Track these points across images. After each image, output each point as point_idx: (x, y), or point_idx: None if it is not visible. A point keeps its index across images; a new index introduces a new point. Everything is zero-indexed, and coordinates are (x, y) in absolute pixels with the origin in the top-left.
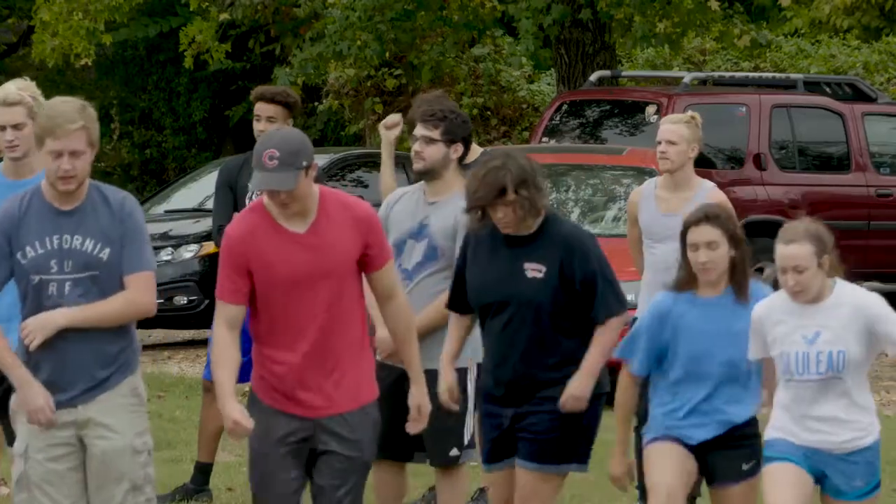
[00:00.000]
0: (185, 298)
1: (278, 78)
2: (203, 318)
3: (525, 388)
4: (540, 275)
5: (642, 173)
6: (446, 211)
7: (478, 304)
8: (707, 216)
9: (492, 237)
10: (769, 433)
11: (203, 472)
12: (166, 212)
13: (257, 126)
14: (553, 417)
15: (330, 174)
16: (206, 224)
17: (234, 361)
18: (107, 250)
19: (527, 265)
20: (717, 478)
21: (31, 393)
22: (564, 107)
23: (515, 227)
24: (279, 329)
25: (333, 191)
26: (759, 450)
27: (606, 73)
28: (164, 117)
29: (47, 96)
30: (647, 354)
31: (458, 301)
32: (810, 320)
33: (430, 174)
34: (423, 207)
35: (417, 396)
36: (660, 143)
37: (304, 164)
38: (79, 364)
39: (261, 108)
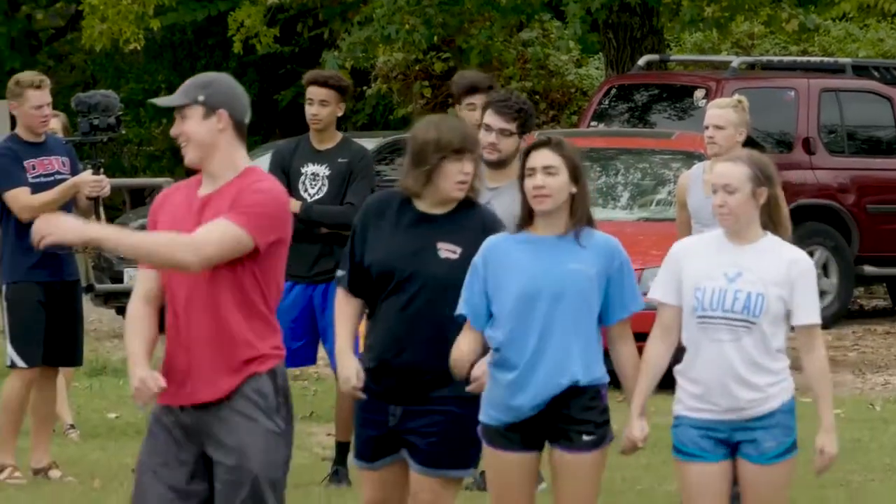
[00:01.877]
0: None
1: (326, 62)
2: None
3: (419, 382)
4: (454, 255)
5: (691, 157)
6: (507, 197)
7: (376, 279)
8: None
9: (399, 212)
10: (674, 408)
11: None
12: None
13: (309, 110)
14: (447, 420)
15: (379, 158)
16: None
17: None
18: None
19: (440, 244)
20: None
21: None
22: (613, 91)
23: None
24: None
25: (260, 174)
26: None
27: (655, 57)
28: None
29: (96, 80)
30: None
31: (355, 281)
32: (736, 258)
33: (500, 164)
34: (485, 193)
35: None
36: (707, 127)
37: (202, 99)
38: None
39: (313, 92)
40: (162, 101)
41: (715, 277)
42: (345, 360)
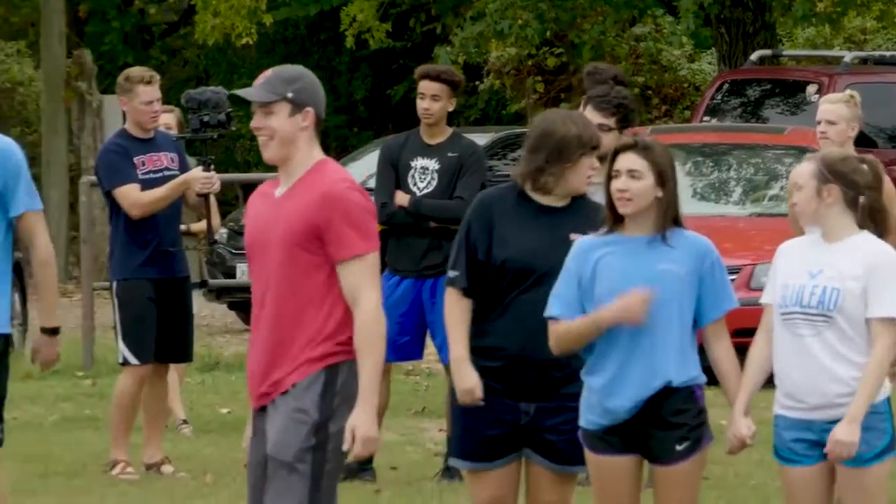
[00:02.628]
0: None
1: (439, 57)
2: None
3: (554, 378)
4: None
5: (803, 152)
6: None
7: (513, 275)
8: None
9: (519, 207)
10: (773, 407)
11: None
12: None
13: (421, 104)
14: (576, 417)
15: (491, 153)
16: None
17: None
18: None
19: (573, 236)
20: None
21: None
22: (725, 86)
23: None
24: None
25: (334, 167)
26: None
27: (767, 52)
28: (325, 96)
29: (209, 75)
30: None
31: (470, 279)
32: (821, 256)
33: (599, 160)
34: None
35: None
36: (819, 122)
37: (290, 95)
38: None
39: (425, 87)
40: (247, 94)
41: (799, 275)
42: (465, 371)
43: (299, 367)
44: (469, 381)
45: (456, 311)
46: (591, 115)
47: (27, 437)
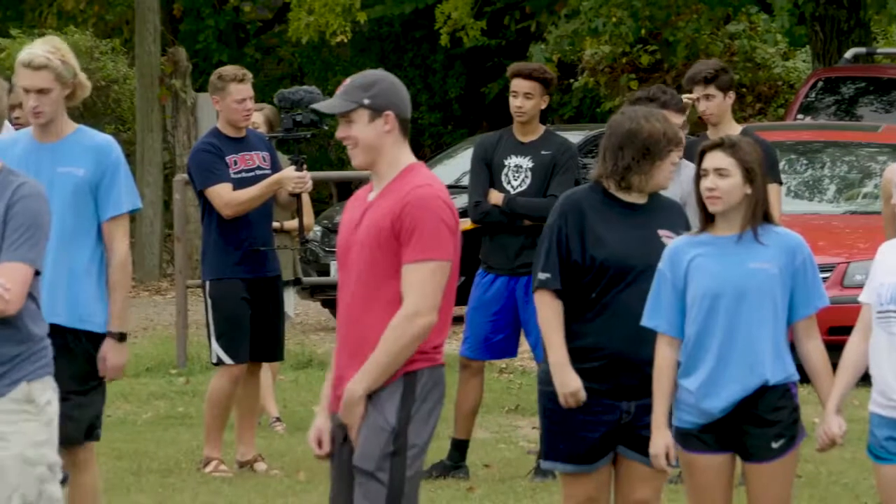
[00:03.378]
0: None
1: (533, 55)
2: (459, 295)
3: (650, 376)
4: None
5: None
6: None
7: (613, 274)
8: None
9: (605, 205)
10: (869, 405)
11: (459, 448)
12: None
13: (514, 102)
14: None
15: (585, 151)
16: (461, 200)
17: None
18: None
19: (661, 232)
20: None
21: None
22: (819, 84)
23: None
24: None
25: (421, 172)
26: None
27: (862, 49)
28: (419, 94)
29: (303, 73)
30: None
31: (563, 281)
32: None
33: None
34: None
35: None
36: None
37: (367, 102)
38: None
39: (517, 84)
40: (325, 107)
41: (894, 274)
42: (567, 374)
43: None
44: (573, 384)
45: (550, 314)
46: (672, 117)
47: (121, 435)
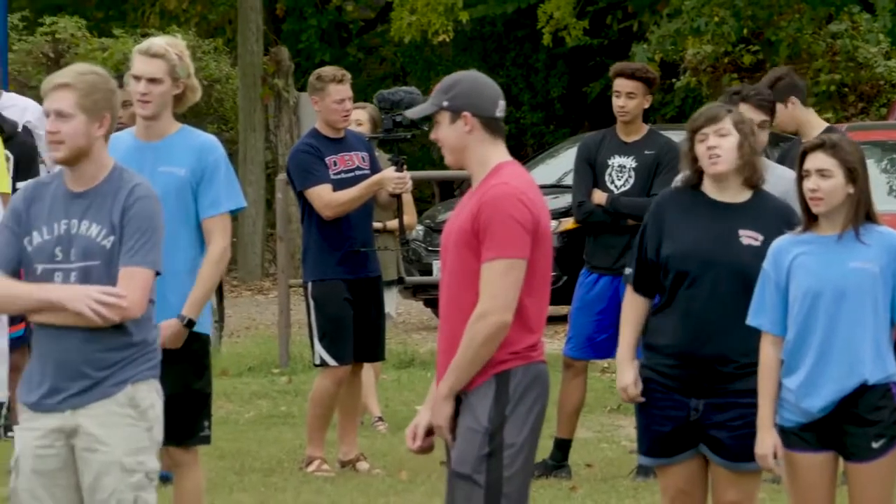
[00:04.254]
0: None
1: (636, 54)
2: (562, 294)
3: (721, 374)
4: (756, 243)
5: None
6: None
7: (677, 270)
8: None
9: (694, 203)
10: None
11: (562, 448)
12: None
13: (616, 102)
14: (751, 413)
15: None
16: (565, 200)
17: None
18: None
19: (742, 231)
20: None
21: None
22: None
23: (724, 165)
24: None
25: (508, 169)
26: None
27: None
28: (522, 94)
29: (406, 73)
30: None
31: (644, 277)
32: None
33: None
34: None
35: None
36: None
37: (446, 104)
38: (71, 365)
39: (620, 84)
40: (413, 112)
41: None
42: (622, 370)
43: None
44: (623, 380)
45: (627, 308)
46: (749, 112)
47: (223, 434)
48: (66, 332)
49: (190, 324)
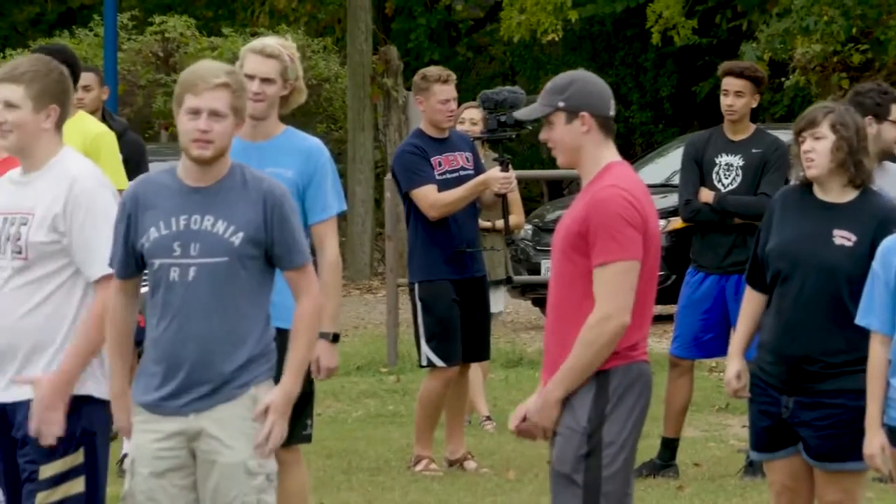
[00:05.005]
0: None
1: (745, 53)
2: (670, 294)
3: (809, 373)
4: (849, 243)
5: None
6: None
7: (773, 268)
8: None
9: (802, 202)
10: None
11: (669, 447)
12: None
13: (724, 101)
14: (839, 413)
15: None
16: (673, 199)
17: None
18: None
19: (836, 231)
20: None
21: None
22: None
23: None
24: None
25: (617, 170)
26: None
27: None
28: (631, 93)
29: (515, 72)
30: None
31: (757, 273)
32: None
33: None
34: None
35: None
36: None
37: (562, 104)
38: (197, 368)
39: (728, 83)
40: (524, 113)
41: None
42: (730, 362)
43: None
44: (727, 374)
45: (744, 304)
46: None
47: (331, 433)
48: (190, 334)
49: (336, 338)
